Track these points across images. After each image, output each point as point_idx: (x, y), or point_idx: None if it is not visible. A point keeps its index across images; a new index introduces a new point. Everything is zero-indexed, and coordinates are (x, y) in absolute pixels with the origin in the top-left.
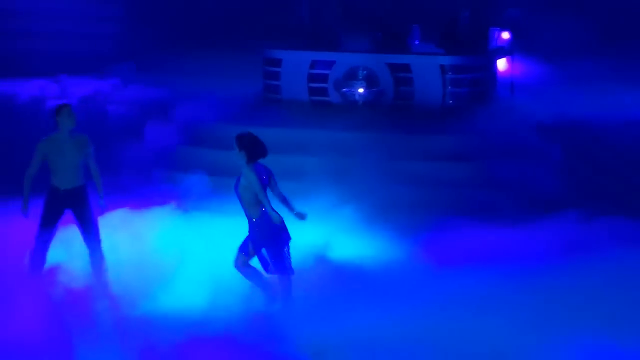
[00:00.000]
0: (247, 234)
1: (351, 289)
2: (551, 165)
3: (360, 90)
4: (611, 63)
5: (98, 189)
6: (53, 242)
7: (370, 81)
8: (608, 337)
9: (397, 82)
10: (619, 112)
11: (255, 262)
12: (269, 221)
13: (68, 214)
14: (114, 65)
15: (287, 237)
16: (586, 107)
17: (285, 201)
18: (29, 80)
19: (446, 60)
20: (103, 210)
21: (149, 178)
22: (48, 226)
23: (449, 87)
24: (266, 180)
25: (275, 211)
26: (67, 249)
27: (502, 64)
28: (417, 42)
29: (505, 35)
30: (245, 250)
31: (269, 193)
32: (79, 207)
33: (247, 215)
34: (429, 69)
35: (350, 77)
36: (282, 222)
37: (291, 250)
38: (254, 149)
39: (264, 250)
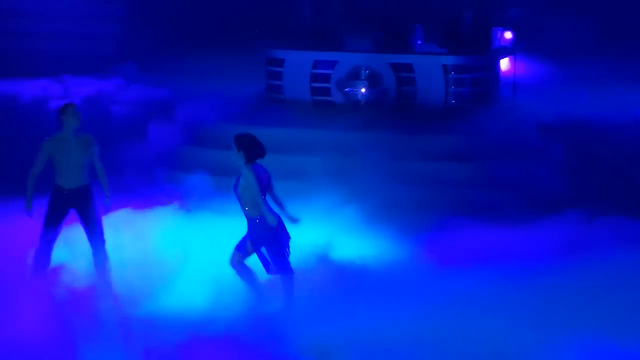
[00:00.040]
0: (245, 233)
1: (353, 289)
2: (553, 165)
3: (363, 90)
4: (613, 62)
5: (104, 188)
6: (57, 242)
7: (372, 81)
8: (609, 337)
9: (400, 82)
10: (621, 111)
11: (251, 262)
12: (267, 221)
13: (72, 214)
14: (115, 66)
15: (286, 237)
16: (588, 106)
17: (280, 204)
18: (32, 80)
19: (449, 60)
20: (108, 209)
21: (151, 178)
22: (52, 226)
23: (452, 87)
24: (265, 180)
25: (273, 212)
26: (70, 248)
27: (504, 63)
28: (419, 42)
29: (508, 35)
30: (242, 249)
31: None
32: (83, 207)
33: (246, 215)
34: (432, 69)
35: (353, 77)
36: (281, 222)
37: (293, 250)
38: (252, 150)
39: (264, 250)
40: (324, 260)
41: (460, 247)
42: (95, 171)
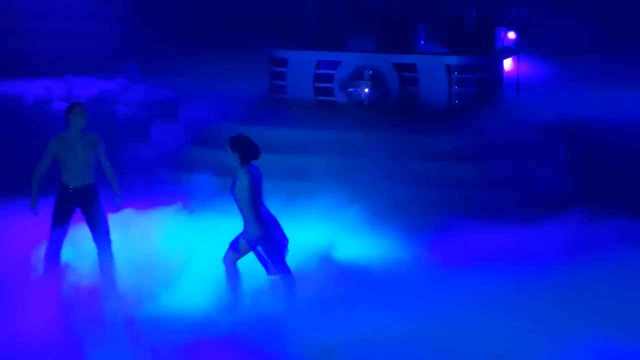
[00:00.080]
0: (240, 232)
1: (356, 290)
2: (556, 165)
3: (366, 90)
4: (617, 62)
5: (113, 186)
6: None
7: (375, 81)
8: (612, 338)
9: (403, 82)
10: (625, 111)
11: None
12: (265, 221)
13: (79, 213)
14: (118, 66)
15: (282, 238)
16: (591, 106)
17: None
18: (35, 80)
19: (452, 60)
20: (118, 207)
21: (154, 178)
22: (60, 224)
23: (455, 87)
24: (260, 181)
25: (269, 215)
26: (75, 248)
27: (507, 63)
28: (422, 42)
29: (511, 35)
30: (236, 248)
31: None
32: (89, 206)
33: (243, 216)
34: (435, 69)
35: (356, 77)
36: (277, 223)
37: (296, 251)
38: (247, 151)
39: (260, 250)
40: (326, 261)
41: (463, 248)
42: (102, 170)
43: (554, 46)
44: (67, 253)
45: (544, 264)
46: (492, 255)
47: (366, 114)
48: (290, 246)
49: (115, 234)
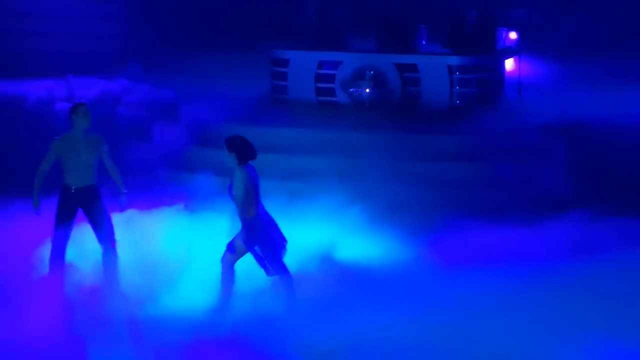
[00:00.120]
0: (236, 233)
1: (357, 290)
2: (558, 165)
3: (367, 90)
4: (618, 62)
5: (118, 186)
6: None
7: (377, 81)
8: (614, 338)
9: (405, 82)
10: (626, 111)
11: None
12: (263, 222)
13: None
14: (120, 66)
15: (280, 239)
16: (593, 106)
17: None
18: (36, 80)
19: (453, 60)
20: (125, 206)
21: (156, 178)
22: (63, 225)
23: (456, 87)
24: (258, 181)
25: (267, 215)
26: (79, 247)
27: (509, 64)
28: (424, 42)
29: (513, 35)
30: (233, 249)
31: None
32: (91, 206)
33: (240, 216)
34: (436, 69)
35: (358, 77)
36: (274, 224)
37: (297, 251)
38: (244, 151)
39: (258, 250)
40: (328, 261)
41: (464, 248)
42: (105, 171)
43: (555, 46)
44: (70, 253)
45: (545, 264)
46: (493, 255)
47: (367, 114)
48: (291, 246)
49: (117, 234)
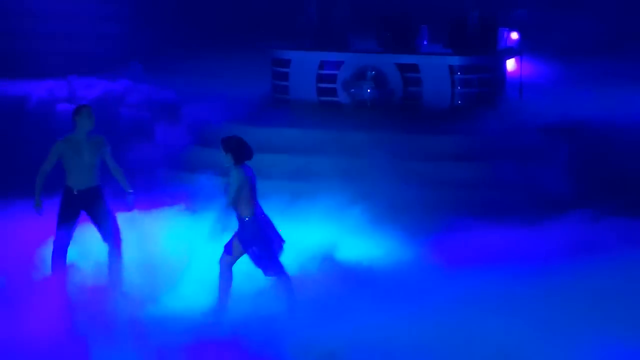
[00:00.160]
0: (234, 233)
1: (358, 290)
2: (559, 165)
3: (369, 90)
4: (620, 63)
5: (123, 186)
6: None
7: (378, 81)
8: (615, 338)
9: (406, 83)
10: (628, 111)
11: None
12: (260, 222)
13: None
14: (121, 66)
15: (277, 239)
16: (594, 107)
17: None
18: (37, 81)
19: (455, 60)
20: (131, 206)
21: (157, 178)
22: (65, 226)
23: (458, 88)
24: (254, 181)
25: (263, 215)
26: (81, 248)
27: (510, 64)
28: (425, 42)
29: (514, 35)
30: (230, 250)
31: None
32: (94, 208)
33: (237, 216)
34: (438, 70)
35: (359, 77)
36: (271, 224)
37: (299, 251)
38: (240, 151)
39: (255, 250)
40: (329, 261)
41: (466, 248)
42: (107, 172)
43: (556, 47)
44: (72, 253)
45: (546, 264)
46: (495, 255)
47: (369, 115)
48: (292, 246)
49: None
